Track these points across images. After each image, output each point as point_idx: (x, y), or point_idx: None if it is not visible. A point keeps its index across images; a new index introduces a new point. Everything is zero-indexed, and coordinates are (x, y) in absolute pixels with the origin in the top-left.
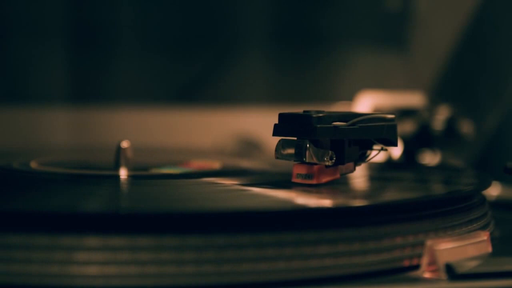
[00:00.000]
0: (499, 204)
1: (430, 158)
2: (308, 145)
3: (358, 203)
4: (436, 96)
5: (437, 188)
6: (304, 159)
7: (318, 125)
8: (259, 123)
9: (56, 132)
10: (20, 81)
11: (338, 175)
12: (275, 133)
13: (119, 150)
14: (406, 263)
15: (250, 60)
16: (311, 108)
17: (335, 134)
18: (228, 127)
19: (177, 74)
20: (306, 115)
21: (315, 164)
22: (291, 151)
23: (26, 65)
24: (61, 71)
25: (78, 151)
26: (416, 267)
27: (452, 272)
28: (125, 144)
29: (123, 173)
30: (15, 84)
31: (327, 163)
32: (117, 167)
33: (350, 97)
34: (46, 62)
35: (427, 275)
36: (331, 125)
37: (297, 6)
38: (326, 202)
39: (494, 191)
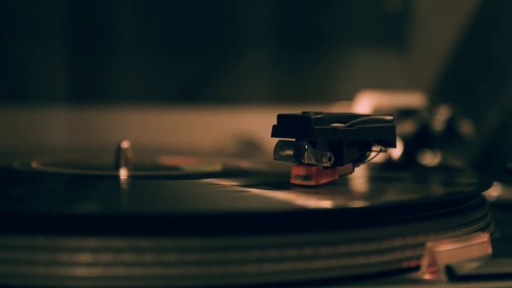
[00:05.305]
0: (499, 205)
1: (430, 159)
2: (306, 146)
3: (357, 204)
4: (436, 96)
5: (437, 189)
6: (303, 160)
7: (317, 126)
8: (259, 123)
9: (56, 132)
10: (20, 81)
11: (336, 176)
12: (273, 134)
13: (119, 150)
14: (406, 264)
15: (250, 60)
16: (311, 108)
17: (334, 136)
18: (228, 127)
19: (177, 74)
20: (304, 116)
21: (314, 165)
22: (289, 152)
23: (26, 65)
24: (61, 71)
25: (78, 151)
26: (416, 268)
27: (452, 274)
28: (125, 144)
29: (123, 173)
30: (15, 84)
31: (325, 164)
32: (117, 167)
33: (350, 97)
34: (46, 62)
35: (427, 276)
36: (330, 127)
37: (297, 7)
38: (325, 204)
39: (494, 191)
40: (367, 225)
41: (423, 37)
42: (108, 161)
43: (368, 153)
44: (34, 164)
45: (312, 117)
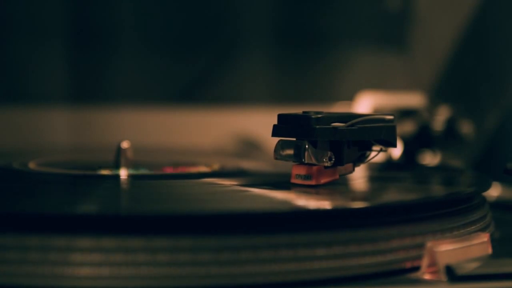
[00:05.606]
0: (499, 205)
1: (430, 159)
2: (307, 146)
3: (357, 204)
4: (436, 97)
5: (437, 190)
6: (303, 160)
7: (317, 126)
8: (259, 123)
9: (56, 132)
10: (20, 81)
11: (337, 176)
12: (274, 134)
13: (119, 151)
14: (406, 264)
15: (250, 60)
16: (311, 108)
17: (334, 135)
18: (228, 127)
19: (177, 74)
20: (305, 116)
21: (314, 165)
22: (290, 151)
23: (26, 65)
24: (61, 71)
25: (78, 151)
26: (416, 268)
27: (452, 274)
28: (125, 144)
29: (123, 173)
30: (15, 84)
31: (326, 164)
32: (117, 167)
33: (350, 97)
34: (46, 62)
35: (427, 276)
36: (330, 126)
37: (298, 6)
38: (324, 204)
39: (494, 191)
40: (367, 225)
41: (423, 37)
42: (108, 161)
43: (368, 152)
44: (33, 164)
45: (313, 116)
